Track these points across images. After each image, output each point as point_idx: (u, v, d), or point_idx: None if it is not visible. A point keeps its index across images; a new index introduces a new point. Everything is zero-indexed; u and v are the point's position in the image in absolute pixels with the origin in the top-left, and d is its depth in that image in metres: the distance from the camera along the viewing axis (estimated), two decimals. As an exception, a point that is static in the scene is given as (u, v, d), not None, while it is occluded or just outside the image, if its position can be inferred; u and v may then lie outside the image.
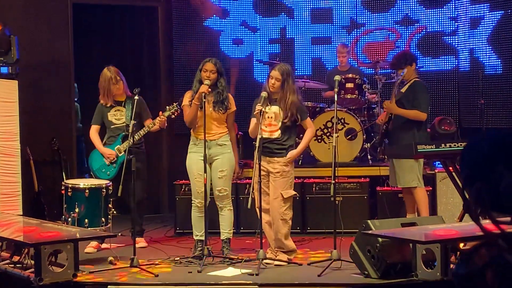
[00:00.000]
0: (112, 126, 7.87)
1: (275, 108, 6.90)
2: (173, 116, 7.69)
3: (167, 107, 7.69)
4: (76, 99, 10.22)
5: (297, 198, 8.18)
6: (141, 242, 7.81)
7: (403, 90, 7.74)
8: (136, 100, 7.32)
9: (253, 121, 6.97)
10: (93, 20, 10.63)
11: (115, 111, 7.87)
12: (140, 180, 7.56)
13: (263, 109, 6.74)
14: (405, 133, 7.61)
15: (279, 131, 6.89)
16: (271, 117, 6.89)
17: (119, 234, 7.56)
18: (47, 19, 9.65)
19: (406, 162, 7.52)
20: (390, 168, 7.94)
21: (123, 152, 7.70)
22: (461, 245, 5.68)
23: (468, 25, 10.44)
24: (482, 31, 10.23)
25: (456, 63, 10.64)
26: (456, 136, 9.39)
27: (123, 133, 7.77)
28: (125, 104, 7.85)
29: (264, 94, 6.80)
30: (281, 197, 6.82)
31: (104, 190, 7.37)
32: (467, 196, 1.92)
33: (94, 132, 7.94)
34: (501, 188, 1.79)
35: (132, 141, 7.42)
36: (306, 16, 11.29)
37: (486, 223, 1.86)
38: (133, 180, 6.89)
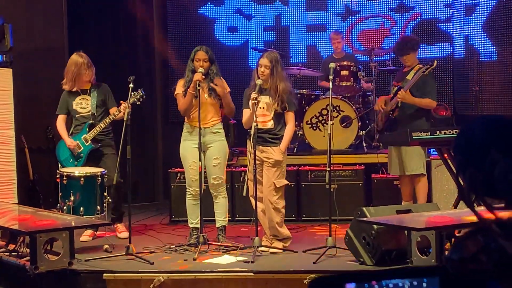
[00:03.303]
0: (77, 115, 7.71)
1: (266, 98, 6.88)
2: (138, 102, 7.41)
3: (132, 93, 7.31)
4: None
5: (292, 186, 8.19)
6: (123, 233, 7.65)
7: (409, 77, 7.62)
8: (102, 86, 7.15)
9: (246, 111, 6.96)
10: (87, 7, 10.59)
11: (80, 99, 7.70)
12: (112, 167, 7.39)
13: (258, 98, 6.73)
14: (415, 121, 7.53)
15: (272, 121, 6.89)
16: (263, 107, 6.87)
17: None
18: (41, 7, 9.60)
19: (415, 149, 7.46)
20: (390, 156, 7.89)
21: (89, 142, 7.64)
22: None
23: (463, 12, 10.44)
24: (477, 18, 10.23)
25: (451, 50, 10.64)
26: (451, 123, 9.39)
27: (90, 122, 7.66)
28: (90, 92, 7.71)
29: (259, 81, 6.77)
30: (274, 186, 6.82)
31: (99, 178, 7.35)
32: (461, 182, 1.92)
33: (60, 122, 7.79)
34: (495, 173, 1.79)
35: (97, 130, 7.44)
36: (301, 3, 11.28)
37: (481, 209, 1.86)
38: (128, 168, 6.88)
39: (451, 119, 9.61)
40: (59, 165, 7.83)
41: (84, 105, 7.71)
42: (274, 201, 6.82)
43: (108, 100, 7.73)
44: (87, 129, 7.65)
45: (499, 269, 1.69)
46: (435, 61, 7.59)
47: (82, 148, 7.65)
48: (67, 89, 7.71)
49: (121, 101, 7.33)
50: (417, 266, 5.60)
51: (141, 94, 7.41)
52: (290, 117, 6.92)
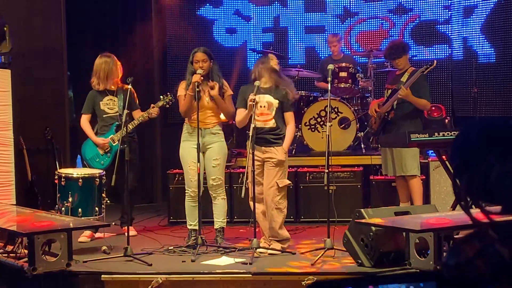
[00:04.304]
0: (104, 116, 7.80)
1: (267, 97, 6.90)
2: (167, 105, 7.72)
3: (161, 96, 7.69)
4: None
5: (291, 187, 8.19)
6: (131, 231, 7.73)
7: (403, 79, 7.70)
8: (129, 90, 7.24)
9: (240, 111, 6.99)
10: (86, 8, 10.59)
11: (108, 100, 7.79)
12: (132, 170, 7.46)
13: (256, 99, 6.75)
14: (410, 122, 7.62)
15: (273, 120, 6.90)
16: (264, 106, 6.89)
17: (113, 223, 7.58)
18: (39, 7, 9.58)
19: (409, 150, 7.52)
20: (383, 157, 7.95)
21: (117, 142, 7.67)
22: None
23: (462, 14, 10.44)
24: (476, 19, 10.23)
25: (450, 52, 10.64)
26: (446, 124, 9.39)
27: (117, 123, 7.73)
28: (117, 94, 7.78)
29: (257, 83, 6.80)
30: (276, 186, 6.83)
31: (98, 180, 7.36)
32: (458, 186, 1.92)
33: (85, 121, 7.83)
34: (491, 178, 1.79)
35: (126, 130, 7.42)
36: (300, 5, 11.28)
37: (477, 213, 1.86)
38: (126, 169, 6.88)
39: (448, 121, 9.59)
40: (85, 164, 7.84)
41: (111, 105, 7.79)
42: (276, 201, 6.83)
43: (133, 103, 7.74)
44: (114, 130, 7.71)
45: (495, 274, 1.70)
46: (435, 61, 7.68)
47: (109, 148, 7.70)
48: (100, 89, 7.74)
49: (151, 104, 7.43)
50: (415, 271, 5.61)
51: (170, 97, 7.61)
52: (290, 117, 6.97)
